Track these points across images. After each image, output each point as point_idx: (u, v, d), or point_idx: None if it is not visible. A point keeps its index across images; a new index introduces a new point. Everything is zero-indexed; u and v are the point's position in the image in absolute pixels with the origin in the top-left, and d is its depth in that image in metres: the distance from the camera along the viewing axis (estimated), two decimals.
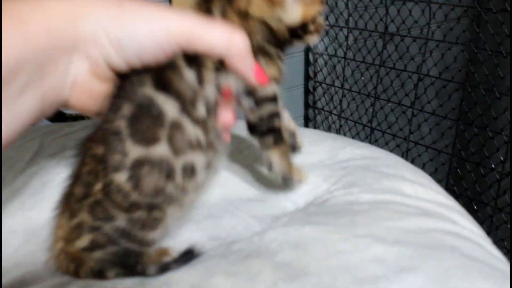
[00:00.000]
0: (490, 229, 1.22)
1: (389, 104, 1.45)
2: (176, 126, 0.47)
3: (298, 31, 0.56)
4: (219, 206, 0.67)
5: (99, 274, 0.47)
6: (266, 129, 0.59)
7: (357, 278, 0.45)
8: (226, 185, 0.70)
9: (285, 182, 0.63)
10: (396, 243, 0.50)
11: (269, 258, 0.50)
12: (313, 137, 0.81)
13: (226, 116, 0.53)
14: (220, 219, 0.62)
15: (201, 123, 0.49)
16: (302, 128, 0.85)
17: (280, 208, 0.66)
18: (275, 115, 0.59)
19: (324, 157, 0.75)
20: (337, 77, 1.58)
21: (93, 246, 0.47)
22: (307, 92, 1.67)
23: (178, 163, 0.48)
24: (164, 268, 0.48)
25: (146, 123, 0.46)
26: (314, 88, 1.64)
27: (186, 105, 0.48)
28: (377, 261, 0.47)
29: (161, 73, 0.47)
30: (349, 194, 0.63)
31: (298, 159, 0.68)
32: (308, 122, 1.70)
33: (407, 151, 1.40)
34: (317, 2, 0.57)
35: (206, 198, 0.64)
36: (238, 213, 0.64)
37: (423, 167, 1.33)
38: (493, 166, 1.21)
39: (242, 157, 0.76)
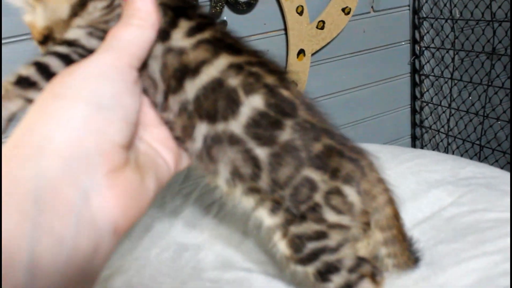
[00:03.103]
0: None
1: (499, 122, 1.52)
2: None
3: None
4: None
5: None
6: None
7: None
8: None
9: None
10: None
11: (407, 275, 0.62)
12: (434, 157, 0.94)
13: None
14: None
15: None
16: (424, 151, 0.98)
17: (408, 217, 0.79)
18: None
19: (447, 174, 0.87)
20: (444, 97, 1.68)
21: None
22: (413, 111, 1.78)
23: None
24: None
25: None
26: (421, 108, 1.75)
27: None
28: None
29: None
30: (474, 212, 0.75)
31: (422, 176, 0.81)
32: (415, 140, 1.80)
33: None
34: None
35: None
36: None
37: None
38: None
39: None
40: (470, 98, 1.63)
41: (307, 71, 1.46)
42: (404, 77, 1.74)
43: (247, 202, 0.57)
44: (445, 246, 0.67)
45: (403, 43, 1.69)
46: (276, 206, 0.56)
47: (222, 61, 0.53)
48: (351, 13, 1.50)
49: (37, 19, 0.53)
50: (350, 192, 0.57)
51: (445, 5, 1.59)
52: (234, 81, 0.53)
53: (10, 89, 0.46)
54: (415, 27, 1.68)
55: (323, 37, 1.47)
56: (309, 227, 0.56)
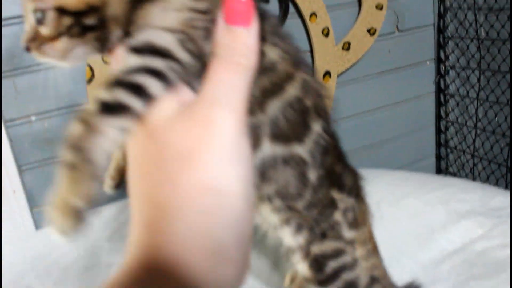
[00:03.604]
0: None
1: None
2: None
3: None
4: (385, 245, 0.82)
5: None
6: None
7: None
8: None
9: None
10: None
11: None
12: (462, 185, 0.94)
13: None
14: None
15: None
16: (452, 179, 0.98)
17: (438, 248, 0.80)
18: None
19: (476, 204, 0.88)
20: (470, 117, 1.67)
21: None
22: (438, 131, 1.77)
23: None
24: None
25: None
26: (446, 128, 1.74)
27: None
28: None
29: None
30: (506, 246, 0.75)
31: (451, 206, 0.82)
32: (440, 160, 1.80)
33: None
34: None
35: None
36: (402, 259, 0.78)
37: None
38: None
39: None
40: (496, 119, 1.62)
41: (333, 93, 1.48)
42: (429, 97, 1.74)
43: (273, 219, 0.58)
44: (477, 283, 0.67)
45: (427, 62, 1.69)
46: (301, 225, 0.58)
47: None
48: (377, 33, 1.50)
49: None
50: (356, 208, 0.62)
51: (470, 24, 1.59)
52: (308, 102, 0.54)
53: (95, 119, 0.39)
54: (440, 46, 1.68)
55: (348, 58, 1.48)
56: (330, 245, 0.59)
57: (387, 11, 1.50)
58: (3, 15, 1.11)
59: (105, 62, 1.18)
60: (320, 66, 1.43)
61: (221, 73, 0.37)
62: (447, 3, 1.61)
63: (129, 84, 0.39)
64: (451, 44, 1.65)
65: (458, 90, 1.69)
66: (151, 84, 0.39)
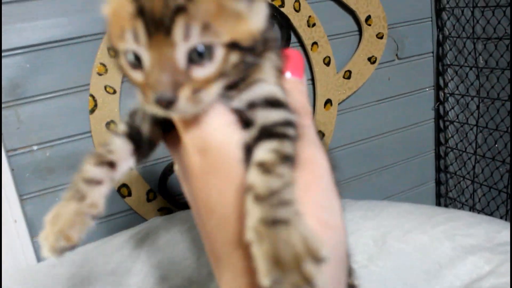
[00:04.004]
0: None
1: None
2: None
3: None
4: (392, 280, 0.82)
5: None
6: None
7: None
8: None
9: None
10: None
11: None
12: (467, 219, 0.94)
13: None
14: None
15: None
16: (457, 211, 0.98)
17: (446, 284, 0.80)
18: None
19: (482, 239, 0.87)
20: (470, 143, 1.68)
21: None
22: (438, 157, 1.78)
23: None
24: None
25: None
26: (446, 153, 1.75)
27: None
28: None
29: None
30: None
31: (458, 241, 0.81)
32: (440, 186, 1.80)
33: None
34: (117, 28, 0.40)
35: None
36: None
37: None
38: None
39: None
40: (496, 145, 1.63)
41: (334, 120, 1.48)
42: (429, 123, 1.75)
43: None
44: None
45: (427, 89, 1.71)
46: None
47: None
48: (377, 62, 1.52)
49: (256, 18, 0.42)
50: None
51: (469, 53, 1.61)
52: None
53: (275, 167, 0.38)
54: (439, 73, 1.69)
55: (349, 86, 1.49)
56: None
57: (387, 40, 1.52)
58: (8, 45, 1.11)
59: (108, 92, 1.19)
60: (321, 95, 1.44)
61: (313, 152, 0.43)
62: (446, 32, 1.63)
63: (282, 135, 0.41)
64: (450, 71, 1.67)
65: (457, 116, 1.70)
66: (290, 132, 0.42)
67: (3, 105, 1.13)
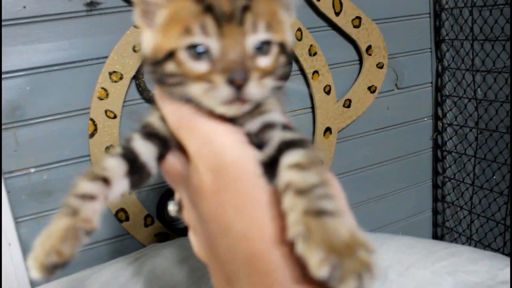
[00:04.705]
0: None
1: None
2: None
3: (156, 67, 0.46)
4: None
5: None
6: None
7: None
8: None
9: None
10: None
11: None
12: (470, 255, 0.93)
13: None
14: None
15: None
16: (459, 246, 0.97)
17: None
18: None
19: (485, 277, 0.86)
20: (468, 174, 1.67)
21: None
22: (435, 186, 1.77)
23: None
24: None
25: None
26: (443, 183, 1.75)
27: None
28: None
29: None
30: None
31: (460, 278, 0.80)
32: (436, 215, 1.79)
33: None
34: (178, 28, 0.44)
35: None
36: None
37: None
38: None
39: None
40: (494, 177, 1.63)
41: (333, 149, 1.48)
42: (427, 152, 1.75)
43: None
44: None
45: (425, 119, 1.71)
46: None
47: None
48: (377, 91, 1.52)
49: (290, 32, 0.49)
50: None
51: (468, 85, 1.61)
52: None
53: (311, 165, 0.40)
54: (437, 104, 1.70)
55: (349, 115, 1.49)
56: None
57: (387, 69, 1.52)
58: (8, 67, 1.10)
59: (108, 116, 1.18)
60: (321, 123, 1.43)
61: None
62: (445, 63, 1.64)
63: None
64: (448, 102, 1.67)
65: (455, 147, 1.70)
66: None
67: (2, 127, 1.12)
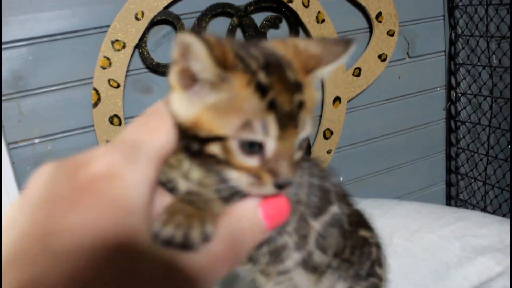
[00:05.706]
0: None
1: None
2: None
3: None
4: (398, 281, 0.78)
5: None
6: None
7: None
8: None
9: None
10: None
11: None
12: (478, 219, 0.90)
13: None
14: None
15: None
16: (467, 211, 0.94)
17: (454, 285, 0.76)
18: None
19: (494, 240, 0.83)
20: (482, 144, 1.63)
21: None
22: (449, 158, 1.73)
23: None
24: None
25: None
26: (457, 154, 1.70)
27: None
28: None
29: None
30: None
31: (467, 241, 0.77)
32: (450, 187, 1.75)
33: None
34: (236, 118, 0.40)
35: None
36: None
37: None
38: None
39: None
40: (509, 146, 1.58)
41: (342, 118, 1.44)
42: (440, 123, 1.71)
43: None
44: None
45: (438, 89, 1.66)
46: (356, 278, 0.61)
47: None
48: (388, 59, 1.48)
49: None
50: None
51: (482, 52, 1.56)
52: None
53: None
54: (451, 73, 1.65)
55: (359, 84, 1.45)
56: (372, 283, 0.62)
57: (398, 37, 1.48)
58: (10, 37, 1.09)
59: (111, 85, 1.16)
60: (330, 92, 1.40)
61: None
62: (459, 30, 1.58)
63: None
64: (462, 70, 1.62)
65: (469, 117, 1.65)
66: None
67: (4, 97, 1.11)
